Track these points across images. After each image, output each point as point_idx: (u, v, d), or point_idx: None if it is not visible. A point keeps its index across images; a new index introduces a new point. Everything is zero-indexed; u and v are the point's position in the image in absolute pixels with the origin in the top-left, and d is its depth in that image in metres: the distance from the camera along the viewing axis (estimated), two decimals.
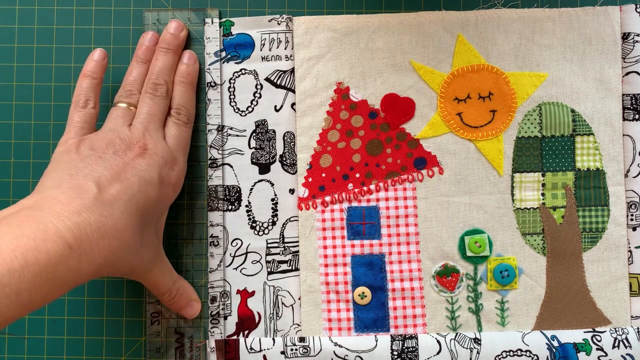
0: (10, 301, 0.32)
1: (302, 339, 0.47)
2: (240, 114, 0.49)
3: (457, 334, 0.48)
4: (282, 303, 0.49)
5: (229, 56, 0.49)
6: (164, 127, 0.46)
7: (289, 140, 0.49)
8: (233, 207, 0.49)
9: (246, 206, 0.49)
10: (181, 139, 0.46)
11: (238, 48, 0.49)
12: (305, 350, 0.47)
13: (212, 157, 0.49)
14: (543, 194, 0.48)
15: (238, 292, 0.49)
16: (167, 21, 0.49)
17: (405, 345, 0.47)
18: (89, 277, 0.37)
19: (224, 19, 0.49)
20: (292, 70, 0.49)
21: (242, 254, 0.49)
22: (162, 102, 0.46)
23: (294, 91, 0.49)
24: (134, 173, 0.41)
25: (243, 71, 0.49)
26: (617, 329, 0.47)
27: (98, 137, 0.43)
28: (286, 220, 0.49)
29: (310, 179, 0.49)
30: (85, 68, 0.46)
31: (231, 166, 0.49)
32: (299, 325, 0.48)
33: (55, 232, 0.35)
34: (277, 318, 0.49)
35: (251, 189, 0.49)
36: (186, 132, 0.47)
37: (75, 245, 0.35)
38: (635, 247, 0.48)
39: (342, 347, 0.47)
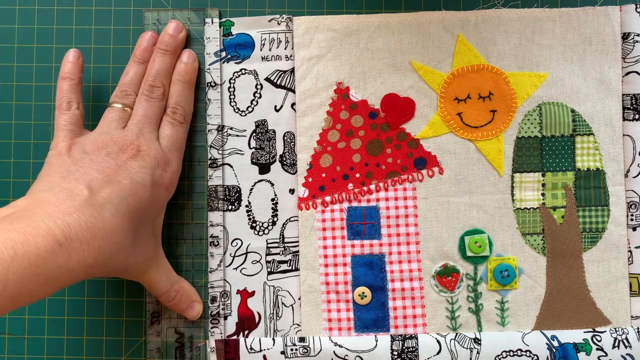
0: None
1: (302, 339, 0.47)
2: (240, 114, 0.49)
3: (457, 334, 0.48)
4: (282, 303, 0.49)
5: (229, 56, 0.49)
6: (159, 127, 0.46)
7: (289, 140, 0.49)
8: (233, 207, 0.49)
9: (246, 206, 0.49)
10: (175, 140, 0.46)
11: (238, 48, 0.49)
12: (305, 350, 0.47)
13: (212, 157, 0.49)
14: (543, 194, 0.48)
15: (238, 292, 0.49)
16: (167, 21, 0.49)
17: (405, 345, 0.47)
18: (79, 276, 0.38)
19: (224, 19, 0.49)
20: (292, 70, 0.49)
21: (242, 254, 0.49)
22: (157, 104, 0.46)
23: (294, 91, 0.49)
24: (126, 175, 0.41)
25: (243, 71, 0.49)
26: (617, 329, 0.47)
27: (91, 140, 0.43)
28: (286, 220, 0.49)
29: (310, 179, 0.49)
30: (62, 70, 0.46)
31: (231, 166, 0.49)
32: (299, 325, 0.48)
33: (46, 229, 0.36)
34: (277, 318, 0.49)
35: (251, 189, 0.49)
36: (181, 132, 0.47)
37: (64, 243, 0.36)
38: (635, 247, 0.48)
39: (342, 347, 0.47)
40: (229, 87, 0.49)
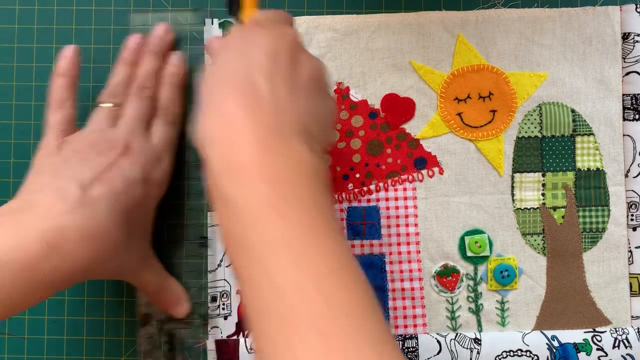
0: None
1: None
2: None
3: (457, 334, 0.48)
4: None
5: None
6: (149, 127, 0.46)
7: None
8: None
9: None
10: (166, 140, 0.46)
11: None
12: None
13: None
14: (543, 194, 0.48)
15: (238, 292, 0.49)
16: (155, 23, 0.48)
17: (406, 345, 0.47)
18: (75, 278, 0.37)
19: (223, 19, 0.49)
20: None
21: None
22: (147, 105, 0.45)
23: None
24: (118, 173, 0.41)
25: None
26: (617, 329, 0.47)
27: (81, 138, 0.43)
28: None
29: None
30: (58, 67, 0.45)
31: None
32: None
33: (36, 232, 0.35)
34: None
35: None
36: (171, 132, 0.46)
37: (56, 246, 0.36)
38: (636, 247, 0.48)
39: None
40: None
